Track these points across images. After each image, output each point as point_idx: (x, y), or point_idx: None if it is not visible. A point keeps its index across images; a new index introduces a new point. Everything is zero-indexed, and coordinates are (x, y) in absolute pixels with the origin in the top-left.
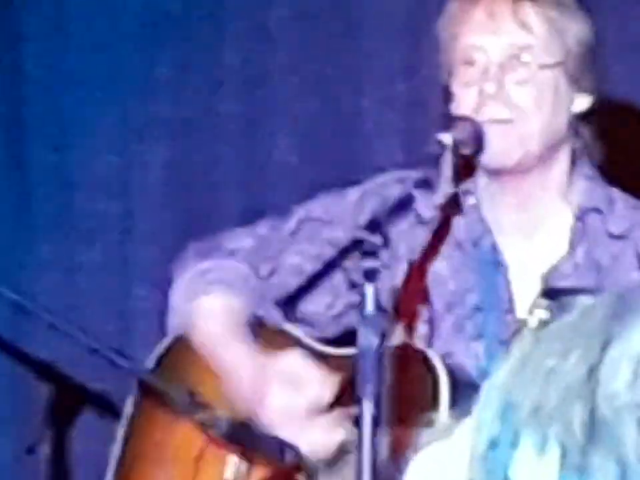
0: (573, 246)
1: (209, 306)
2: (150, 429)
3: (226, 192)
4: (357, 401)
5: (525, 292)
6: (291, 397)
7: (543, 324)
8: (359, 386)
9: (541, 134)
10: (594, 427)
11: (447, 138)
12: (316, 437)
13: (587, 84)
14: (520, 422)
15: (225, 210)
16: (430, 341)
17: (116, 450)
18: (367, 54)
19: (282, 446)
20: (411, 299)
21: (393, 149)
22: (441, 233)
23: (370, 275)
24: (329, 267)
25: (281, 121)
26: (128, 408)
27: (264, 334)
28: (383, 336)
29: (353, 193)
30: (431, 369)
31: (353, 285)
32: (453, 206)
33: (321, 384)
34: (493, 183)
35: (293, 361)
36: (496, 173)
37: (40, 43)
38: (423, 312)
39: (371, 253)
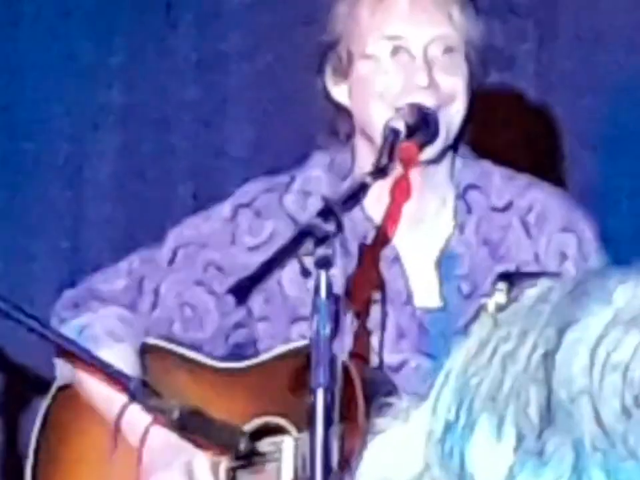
0: (459, 226)
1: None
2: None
3: (179, 180)
4: (311, 390)
5: (421, 280)
6: None
7: (501, 308)
8: (312, 374)
9: (458, 122)
10: (550, 412)
11: (399, 124)
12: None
13: (478, 75)
14: (476, 406)
15: (179, 198)
16: (383, 327)
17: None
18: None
19: (235, 434)
20: (363, 285)
21: None
22: (392, 215)
23: (323, 263)
24: (282, 254)
25: (235, 108)
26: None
27: (155, 361)
28: (336, 324)
29: (224, 209)
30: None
31: (306, 273)
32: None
33: None
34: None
35: (198, 463)
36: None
37: None
38: (376, 298)
39: (324, 240)
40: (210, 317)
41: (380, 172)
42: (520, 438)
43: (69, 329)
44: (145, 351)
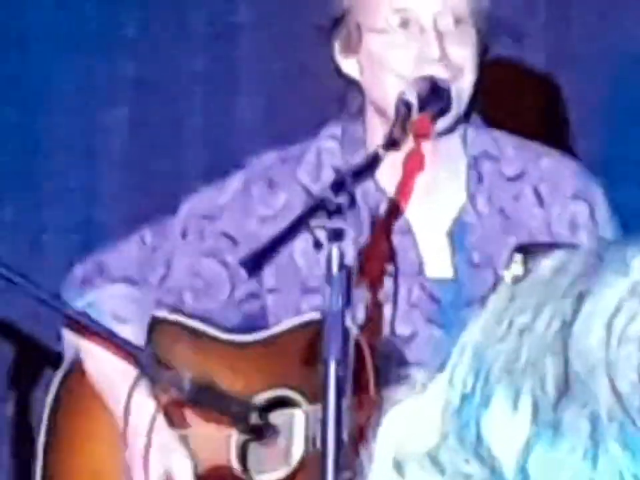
0: (471, 196)
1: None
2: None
3: (190, 151)
4: (323, 362)
5: (433, 251)
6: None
7: (518, 279)
8: (324, 346)
9: (469, 93)
10: (567, 383)
11: (411, 96)
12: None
13: (484, 45)
14: (493, 378)
15: (189, 170)
16: (394, 303)
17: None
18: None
19: (246, 407)
20: (375, 257)
21: None
22: (404, 187)
23: (335, 235)
24: (294, 227)
25: (246, 79)
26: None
27: (164, 332)
28: (348, 296)
29: (237, 181)
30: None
31: (318, 245)
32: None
33: None
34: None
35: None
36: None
37: None
38: (388, 270)
39: (336, 213)
40: (221, 287)
41: (392, 144)
42: (536, 409)
43: (76, 306)
44: (154, 325)
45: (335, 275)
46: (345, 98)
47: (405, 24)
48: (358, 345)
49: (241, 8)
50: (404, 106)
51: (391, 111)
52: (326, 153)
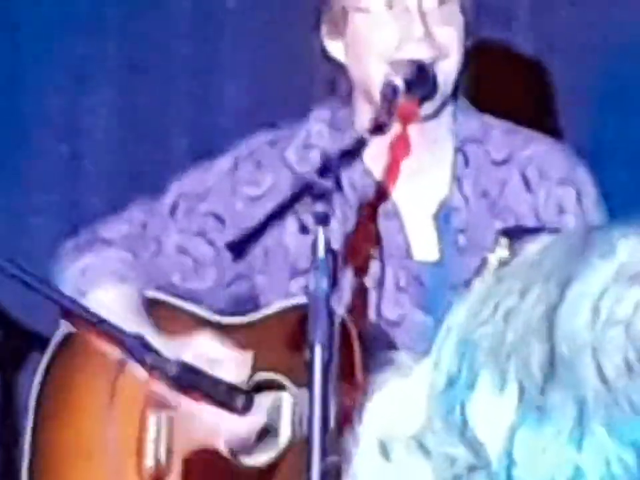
0: (457, 179)
1: (100, 300)
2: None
3: (176, 135)
4: (308, 346)
5: (420, 234)
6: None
7: (503, 263)
8: (310, 330)
9: (455, 74)
10: (553, 367)
11: (396, 80)
12: (236, 419)
13: (470, 27)
14: (478, 361)
15: (175, 153)
16: (380, 286)
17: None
18: None
19: (232, 391)
20: (362, 241)
21: None
22: (391, 172)
23: (321, 219)
24: (280, 211)
25: (232, 63)
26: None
27: (157, 314)
28: (334, 280)
29: (225, 161)
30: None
31: (304, 229)
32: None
33: (236, 362)
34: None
35: (204, 343)
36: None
37: None
38: (375, 254)
39: (322, 197)
40: (209, 268)
41: (378, 129)
42: (522, 393)
43: (71, 272)
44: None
45: (321, 258)
46: (334, 81)
47: (389, 3)
48: (345, 327)
49: None
50: (390, 89)
51: (376, 93)
52: (315, 135)
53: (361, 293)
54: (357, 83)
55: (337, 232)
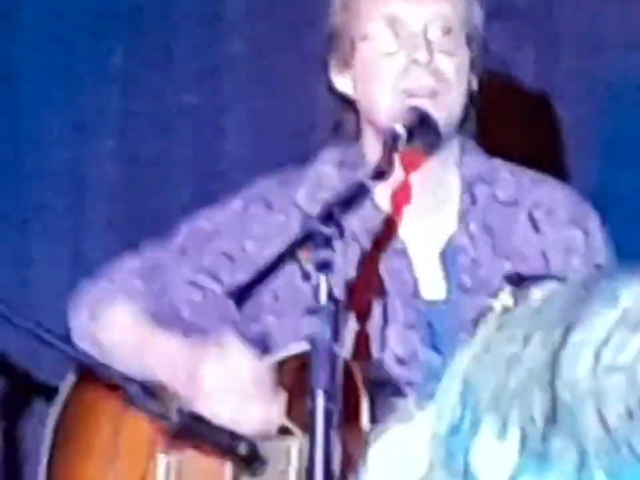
0: (464, 218)
1: (118, 312)
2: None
3: (178, 185)
4: (311, 392)
5: (428, 273)
6: (227, 372)
7: (507, 310)
8: (312, 378)
9: (458, 108)
10: (554, 414)
11: (399, 128)
12: (255, 412)
13: (479, 65)
14: (481, 408)
15: (177, 203)
16: (383, 332)
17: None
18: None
19: (234, 438)
20: (364, 288)
21: None
22: (391, 222)
23: (323, 266)
24: (282, 258)
25: (233, 113)
26: (64, 391)
27: None
28: (337, 327)
29: (237, 202)
30: (351, 378)
31: (306, 276)
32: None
33: (255, 359)
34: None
35: (225, 339)
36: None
37: None
38: (378, 301)
39: (325, 244)
40: (217, 305)
41: (379, 175)
42: (524, 439)
43: (88, 296)
44: None
45: (323, 305)
46: (340, 123)
47: (395, 32)
48: (349, 373)
49: (229, 40)
50: (392, 137)
51: (382, 123)
52: (324, 176)
53: (364, 338)
54: (366, 115)
55: (339, 276)
